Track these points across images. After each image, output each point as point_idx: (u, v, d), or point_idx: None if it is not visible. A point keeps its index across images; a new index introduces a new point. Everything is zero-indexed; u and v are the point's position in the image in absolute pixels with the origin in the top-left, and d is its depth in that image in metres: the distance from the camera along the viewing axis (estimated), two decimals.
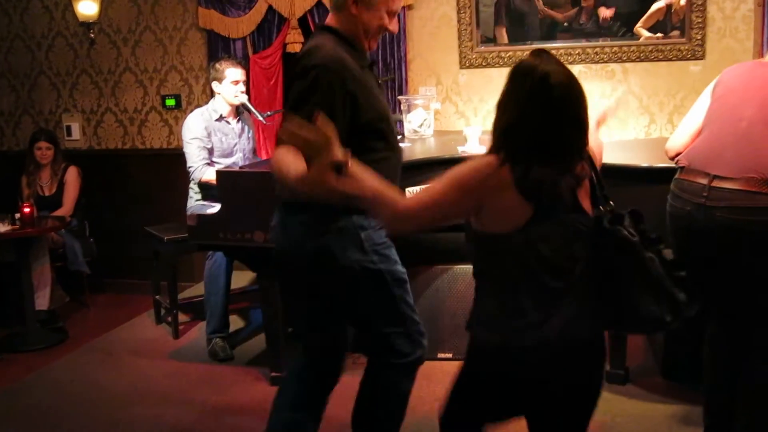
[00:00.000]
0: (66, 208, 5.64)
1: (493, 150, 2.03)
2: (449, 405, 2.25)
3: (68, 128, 6.22)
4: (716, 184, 2.74)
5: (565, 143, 2.00)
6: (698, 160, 2.86)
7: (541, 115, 1.97)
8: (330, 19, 2.72)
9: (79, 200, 5.74)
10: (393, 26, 2.73)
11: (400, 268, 2.80)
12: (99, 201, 5.99)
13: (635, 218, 2.08)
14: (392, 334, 2.78)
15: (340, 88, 2.51)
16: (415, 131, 4.96)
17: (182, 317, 5.00)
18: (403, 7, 5.23)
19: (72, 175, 5.73)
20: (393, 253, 2.78)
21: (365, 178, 1.98)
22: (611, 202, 2.10)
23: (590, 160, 2.10)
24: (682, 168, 2.94)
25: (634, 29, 4.98)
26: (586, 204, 2.06)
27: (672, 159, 3.05)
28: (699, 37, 4.88)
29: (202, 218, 3.90)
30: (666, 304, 2.02)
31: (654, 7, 4.93)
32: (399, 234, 2.31)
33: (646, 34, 4.98)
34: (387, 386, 2.86)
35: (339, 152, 1.92)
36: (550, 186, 1.95)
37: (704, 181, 2.78)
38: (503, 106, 2.04)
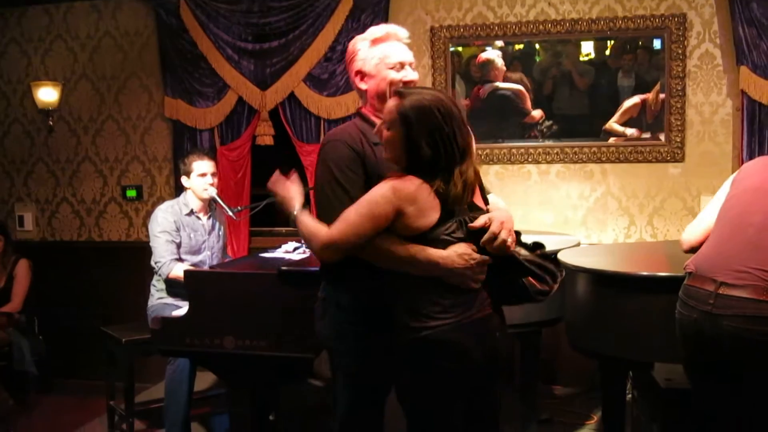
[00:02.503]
0: (14, 304, 5.29)
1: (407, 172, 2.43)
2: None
3: (20, 218, 5.93)
4: (723, 291, 2.63)
5: (464, 142, 2.45)
6: (705, 265, 2.75)
7: (439, 141, 2.39)
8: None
9: (29, 295, 5.40)
10: (408, 77, 2.73)
11: (351, 362, 2.72)
12: (50, 296, 5.64)
13: None
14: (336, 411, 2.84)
15: (348, 148, 2.62)
16: None
17: (138, 424, 4.62)
18: None
19: (22, 269, 5.40)
20: (355, 346, 2.69)
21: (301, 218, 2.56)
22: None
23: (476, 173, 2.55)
24: (689, 274, 2.81)
25: (607, 125, 4.94)
26: (479, 201, 2.58)
27: (686, 252, 2.97)
28: (678, 140, 4.84)
29: (167, 321, 3.62)
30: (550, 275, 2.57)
31: (628, 103, 4.90)
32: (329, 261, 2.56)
33: (619, 128, 4.92)
34: None
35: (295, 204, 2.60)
36: (453, 194, 2.40)
37: (711, 287, 2.66)
38: (412, 141, 2.40)
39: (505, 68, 5.05)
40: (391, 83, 2.69)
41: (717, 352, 2.66)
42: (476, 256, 2.43)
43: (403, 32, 2.80)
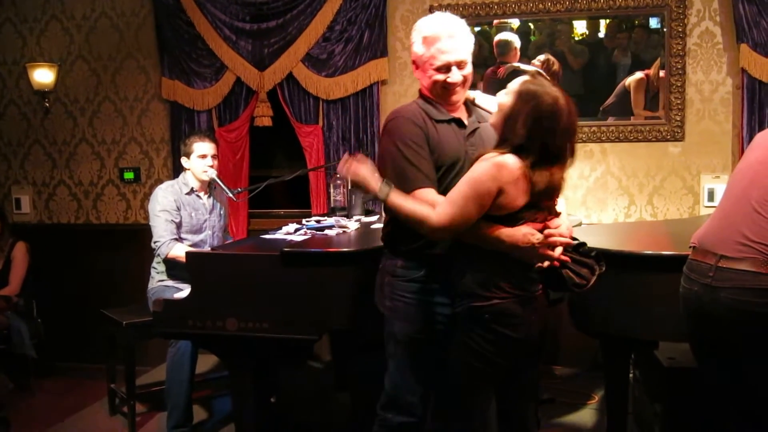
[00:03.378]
0: (12, 287, 5.26)
1: (509, 152, 2.49)
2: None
3: (17, 201, 5.89)
4: (723, 264, 2.63)
5: (566, 150, 2.54)
6: (707, 239, 2.75)
7: (553, 131, 2.48)
8: None
9: (27, 278, 5.37)
10: (451, 78, 2.76)
11: (404, 327, 2.81)
12: (49, 279, 5.62)
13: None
14: (385, 383, 2.89)
15: (413, 125, 2.72)
16: None
17: (139, 407, 4.61)
18: (377, 82, 5.11)
19: (20, 252, 5.37)
20: (406, 311, 2.80)
21: (397, 202, 2.59)
22: None
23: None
24: (693, 248, 2.80)
25: (636, 112, 4.92)
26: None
27: None
28: (678, 119, 4.83)
29: (169, 303, 3.59)
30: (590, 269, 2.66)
31: (632, 82, 4.88)
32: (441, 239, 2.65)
33: (654, 112, 4.91)
34: None
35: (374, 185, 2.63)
36: (550, 188, 2.52)
37: (712, 261, 2.67)
38: (518, 120, 2.48)
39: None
40: (435, 83, 2.77)
41: (717, 325, 2.66)
42: (539, 236, 2.54)
43: (455, 27, 2.78)
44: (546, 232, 2.55)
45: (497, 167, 2.47)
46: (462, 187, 2.51)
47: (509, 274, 2.58)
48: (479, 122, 2.89)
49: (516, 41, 5.01)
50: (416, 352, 2.81)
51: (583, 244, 2.71)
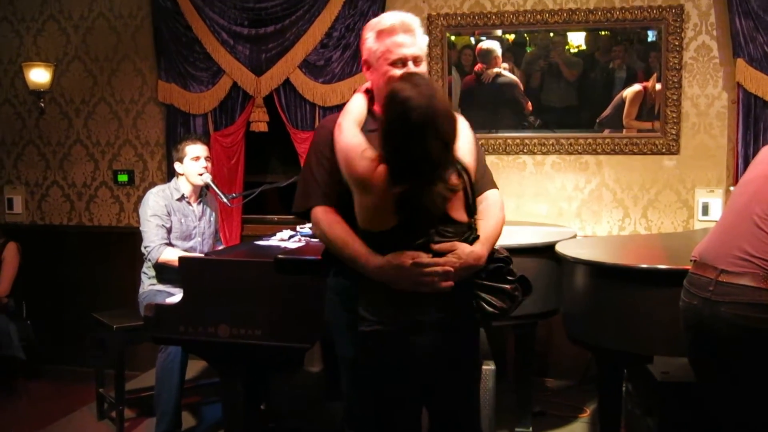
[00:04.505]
0: (2, 288, 5.23)
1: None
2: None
3: (10, 201, 5.86)
4: (723, 278, 2.62)
5: (431, 159, 2.26)
6: (708, 253, 2.75)
7: (398, 135, 2.26)
8: None
9: (17, 279, 5.34)
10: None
11: (343, 347, 2.71)
12: (39, 280, 5.60)
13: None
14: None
15: (329, 136, 2.59)
16: None
17: (128, 413, 4.58)
18: None
19: (10, 252, 5.34)
20: (344, 331, 2.67)
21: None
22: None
23: (466, 172, 2.42)
24: (694, 261, 2.80)
25: (626, 123, 4.91)
26: (458, 213, 2.40)
27: None
28: (674, 132, 4.83)
29: (161, 309, 3.57)
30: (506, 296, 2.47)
31: (629, 93, 4.88)
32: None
33: (645, 124, 4.90)
34: None
35: None
36: (415, 202, 2.26)
37: (712, 275, 2.65)
38: (382, 132, 2.32)
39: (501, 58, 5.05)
40: (390, 79, 2.57)
41: (716, 339, 2.65)
42: (413, 270, 2.34)
43: (411, 22, 2.64)
44: (418, 260, 2.34)
45: (368, 153, 2.35)
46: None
47: (395, 299, 2.40)
48: None
49: (498, 50, 5.02)
50: (363, 375, 2.66)
51: (501, 268, 2.50)
